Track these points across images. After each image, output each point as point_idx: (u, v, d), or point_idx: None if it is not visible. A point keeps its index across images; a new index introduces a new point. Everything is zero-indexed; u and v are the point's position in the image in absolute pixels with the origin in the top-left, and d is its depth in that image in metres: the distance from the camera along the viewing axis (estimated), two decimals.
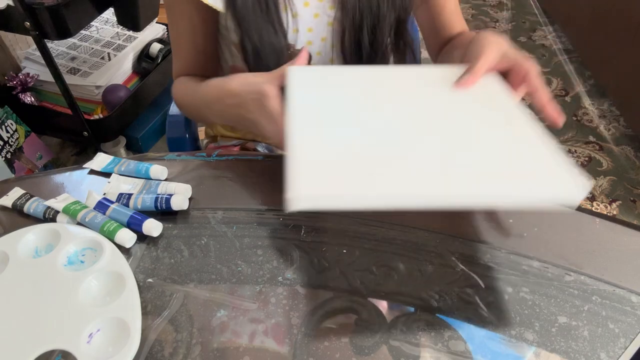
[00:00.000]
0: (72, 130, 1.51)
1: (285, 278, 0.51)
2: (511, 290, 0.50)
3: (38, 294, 0.49)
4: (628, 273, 0.51)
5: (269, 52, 0.62)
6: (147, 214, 0.56)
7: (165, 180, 0.62)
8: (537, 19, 2.34)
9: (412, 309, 0.49)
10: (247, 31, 0.60)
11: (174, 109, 0.88)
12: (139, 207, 0.58)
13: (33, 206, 0.58)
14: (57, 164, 1.65)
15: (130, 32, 1.66)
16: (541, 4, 2.41)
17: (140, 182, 0.62)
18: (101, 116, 1.51)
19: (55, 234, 0.54)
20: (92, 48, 1.62)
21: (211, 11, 0.62)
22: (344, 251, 0.53)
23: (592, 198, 1.50)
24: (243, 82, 0.54)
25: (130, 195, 0.59)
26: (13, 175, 1.45)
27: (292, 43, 0.65)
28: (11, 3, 1.15)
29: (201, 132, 0.95)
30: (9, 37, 1.57)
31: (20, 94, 1.49)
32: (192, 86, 0.67)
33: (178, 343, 0.46)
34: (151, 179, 0.62)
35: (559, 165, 0.42)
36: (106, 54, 1.58)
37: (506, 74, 0.54)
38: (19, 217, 0.59)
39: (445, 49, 0.72)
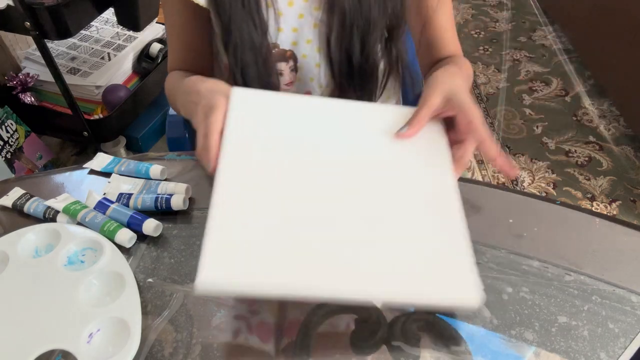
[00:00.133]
0: (72, 130, 1.51)
1: None
2: (511, 290, 0.50)
3: (38, 293, 0.49)
4: (628, 273, 0.51)
5: (248, 48, 0.61)
6: (147, 214, 0.56)
7: (165, 180, 0.62)
8: (537, 19, 2.34)
9: (412, 309, 0.49)
10: (227, 26, 0.60)
11: None
12: (139, 207, 0.58)
13: (33, 206, 0.58)
14: (57, 164, 1.65)
15: (130, 32, 1.66)
16: (541, 4, 2.41)
17: (140, 182, 0.62)
18: (101, 116, 1.51)
19: (56, 234, 0.54)
20: (92, 48, 1.61)
21: (200, 7, 0.62)
22: None
23: (592, 198, 1.50)
24: (212, 86, 0.53)
25: (130, 195, 0.59)
26: (13, 175, 1.45)
27: (277, 42, 0.65)
28: (11, 3, 1.15)
29: None
30: (9, 37, 1.57)
31: (20, 94, 1.49)
32: (177, 78, 0.67)
33: (178, 343, 0.46)
34: (151, 179, 0.62)
35: (463, 267, 0.42)
36: (106, 54, 1.58)
37: (454, 119, 0.52)
38: (19, 217, 0.59)
39: (430, 72, 0.70)
